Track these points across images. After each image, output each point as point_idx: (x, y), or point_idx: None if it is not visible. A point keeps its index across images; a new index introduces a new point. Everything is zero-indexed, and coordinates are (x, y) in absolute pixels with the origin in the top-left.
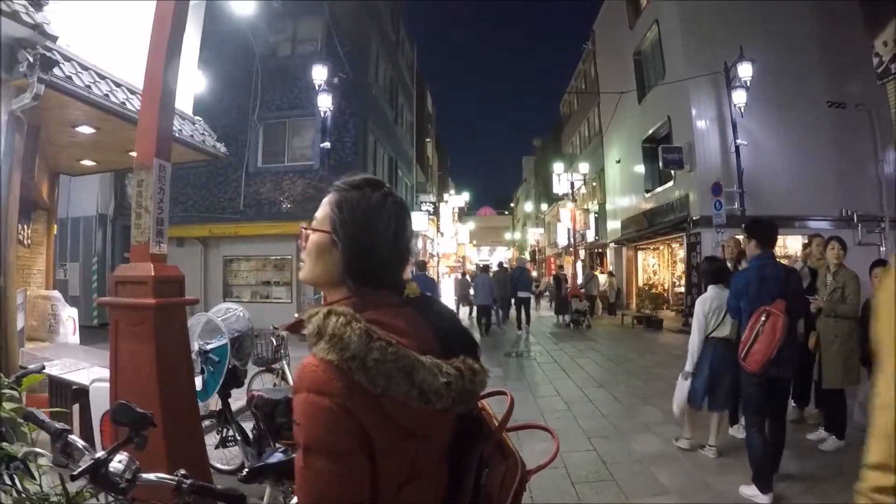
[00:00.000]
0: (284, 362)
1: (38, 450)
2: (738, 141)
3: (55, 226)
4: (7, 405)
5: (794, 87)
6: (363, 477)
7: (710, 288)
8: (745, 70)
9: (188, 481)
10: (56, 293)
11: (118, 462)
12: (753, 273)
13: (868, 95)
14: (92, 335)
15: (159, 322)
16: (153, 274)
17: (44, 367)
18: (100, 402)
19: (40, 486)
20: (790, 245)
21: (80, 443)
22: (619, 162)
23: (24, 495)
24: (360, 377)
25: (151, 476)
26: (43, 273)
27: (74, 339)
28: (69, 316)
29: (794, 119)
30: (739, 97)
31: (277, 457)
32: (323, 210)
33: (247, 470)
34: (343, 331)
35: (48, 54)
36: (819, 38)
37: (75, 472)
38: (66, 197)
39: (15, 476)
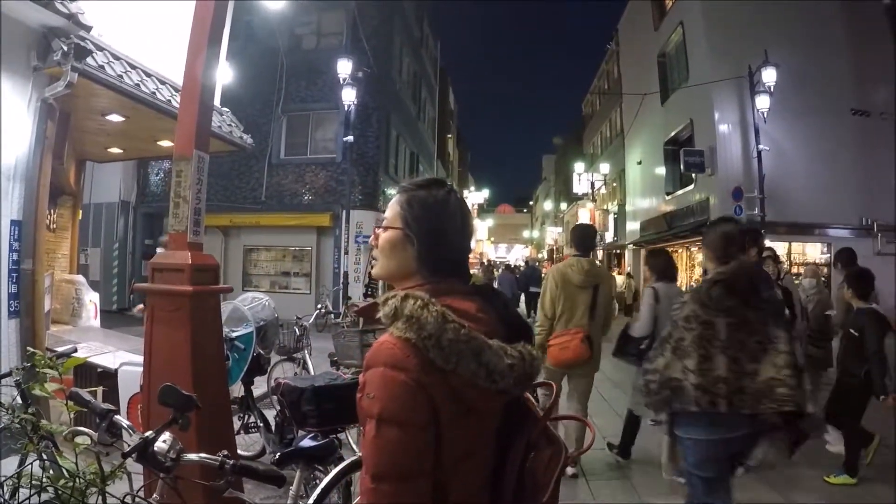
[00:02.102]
0: (306, 352)
1: (81, 429)
2: (761, 146)
3: (80, 211)
4: (50, 385)
5: (818, 93)
6: (429, 449)
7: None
8: (769, 75)
9: (231, 461)
10: (80, 277)
11: (163, 442)
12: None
13: (892, 104)
14: (111, 319)
15: (195, 308)
16: (190, 262)
17: (76, 350)
18: (127, 385)
19: (76, 463)
20: (809, 253)
21: (125, 422)
22: (640, 163)
23: (63, 470)
24: (435, 355)
25: (194, 456)
26: (67, 257)
27: (96, 322)
28: (91, 300)
29: (818, 126)
30: (763, 102)
31: (309, 442)
32: (392, 210)
33: (280, 454)
34: (420, 312)
35: (82, 43)
36: (845, 46)
37: (126, 450)
38: (90, 183)
39: (49, 453)
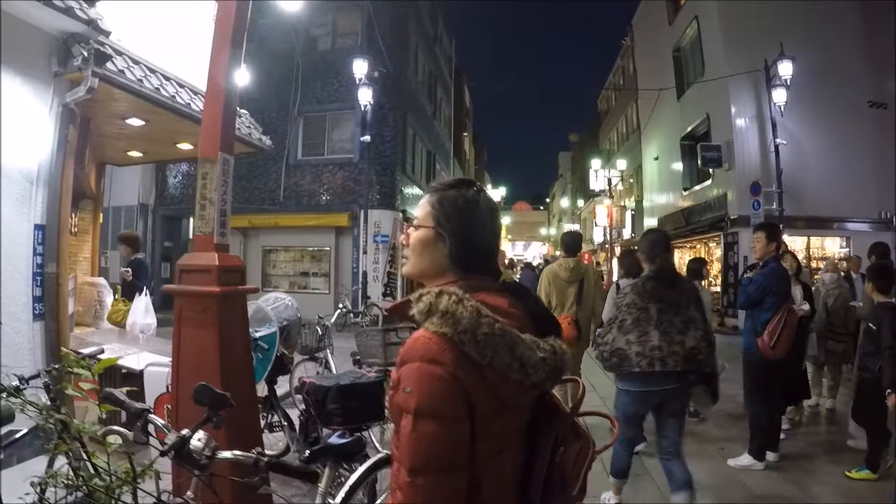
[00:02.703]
0: (328, 351)
1: (116, 428)
2: (778, 140)
3: (101, 215)
4: (85, 385)
5: (835, 86)
6: (466, 442)
7: (625, 280)
8: (785, 68)
9: (265, 458)
10: (102, 280)
11: (197, 440)
12: (781, 272)
13: None
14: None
15: (222, 309)
16: (217, 263)
17: (103, 352)
18: (154, 385)
19: (108, 463)
20: (828, 247)
21: (160, 421)
22: (656, 159)
23: (99, 470)
24: (471, 349)
25: (228, 453)
26: (88, 260)
27: (154, 324)
28: (150, 304)
29: (835, 118)
30: (780, 96)
31: (337, 440)
32: (423, 209)
33: (309, 451)
34: (455, 308)
35: (102, 49)
36: (861, 38)
37: (164, 448)
38: (109, 186)
39: (78, 453)
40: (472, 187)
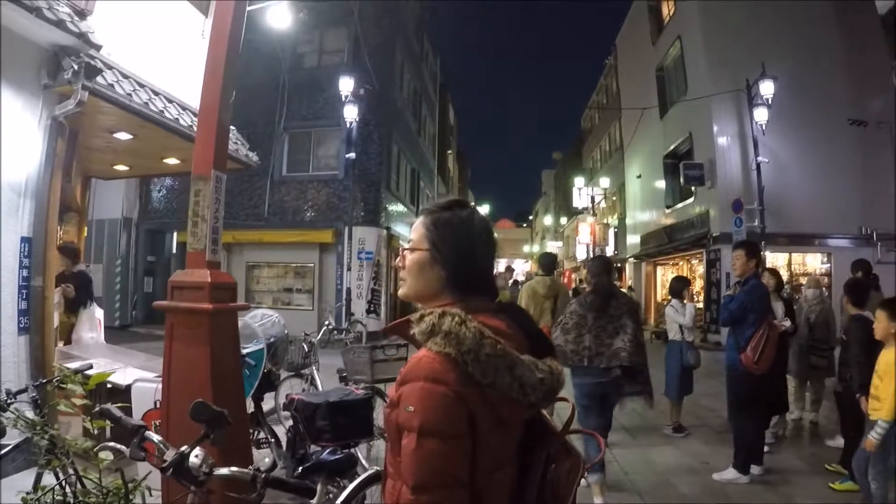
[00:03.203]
0: (314, 368)
1: (112, 444)
2: (760, 158)
3: (86, 228)
4: (76, 401)
5: (815, 104)
6: (467, 459)
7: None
8: (766, 88)
9: (262, 474)
10: None
11: (195, 457)
12: (762, 289)
13: (889, 113)
14: (114, 335)
15: (214, 326)
16: (209, 280)
17: (91, 367)
18: (141, 402)
19: (99, 480)
20: (809, 263)
21: (157, 438)
22: (639, 177)
23: (99, 486)
24: (473, 369)
25: (226, 470)
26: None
27: (101, 338)
28: (97, 316)
29: (816, 137)
30: (761, 115)
31: (330, 456)
32: (417, 231)
33: (302, 468)
34: (458, 329)
35: (92, 62)
36: (841, 56)
37: (164, 465)
38: (93, 199)
39: (64, 469)
40: (467, 208)
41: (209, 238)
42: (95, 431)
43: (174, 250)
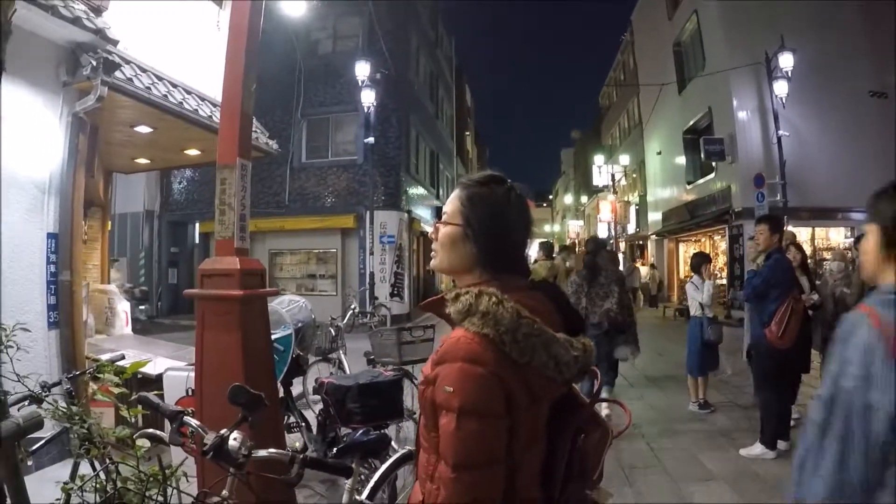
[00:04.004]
0: (341, 352)
1: (151, 430)
2: (780, 132)
3: (109, 222)
4: (114, 390)
5: (836, 76)
6: (505, 437)
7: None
8: (786, 60)
9: (300, 455)
10: (112, 287)
11: (234, 440)
12: (786, 263)
13: None
14: (140, 327)
15: (245, 312)
16: (239, 267)
17: (124, 357)
18: (173, 390)
19: (137, 467)
20: (833, 237)
21: (195, 422)
22: (659, 153)
23: (137, 473)
24: (511, 349)
25: (264, 452)
26: (98, 268)
27: (128, 331)
28: (123, 309)
29: (837, 109)
30: (781, 88)
31: (364, 436)
32: (453, 204)
33: (336, 448)
34: (496, 309)
35: (110, 57)
36: (861, 28)
37: (205, 448)
38: (115, 194)
39: (100, 458)
40: (504, 185)
41: (237, 226)
42: (133, 419)
43: (197, 241)
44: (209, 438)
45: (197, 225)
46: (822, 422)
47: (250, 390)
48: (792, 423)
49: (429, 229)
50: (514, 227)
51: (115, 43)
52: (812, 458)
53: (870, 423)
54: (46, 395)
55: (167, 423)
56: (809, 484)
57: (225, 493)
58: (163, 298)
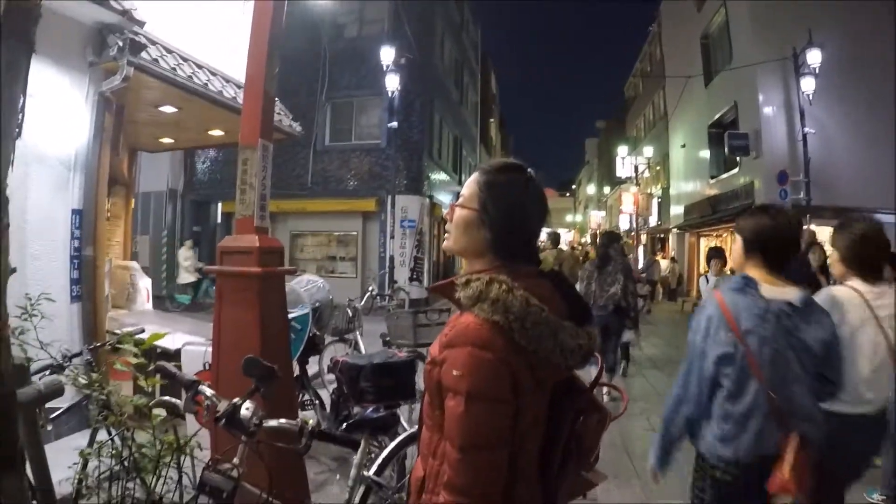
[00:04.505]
0: (358, 333)
1: (166, 398)
2: (806, 129)
3: (133, 200)
4: (132, 360)
5: (864, 74)
6: (510, 420)
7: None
8: (813, 56)
9: (310, 426)
10: (134, 264)
11: (245, 409)
12: (803, 264)
13: None
14: (160, 304)
15: (263, 289)
16: (258, 244)
17: (143, 331)
18: (191, 364)
19: (153, 435)
20: None
21: (209, 391)
22: (684, 146)
23: (153, 440)
24: (520, 336)
25: (274, 422)
26: (121, 244)
27: (148, 307)
28: (144, 286)
29: (863, 107)
30: (808, 84)
31: (373, 413)
32: (470, 189)
33: (346, 423)
34: (506, 297)
35: (137, 38)
36: (890, 25)
37: (218, 415)
38: (139, 173)
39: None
40: (523, 173)
41: (257, 205)
42: (150, 389)
43: (219, 220)
44: (222, 406)
45: (220, 204)
46: (682, 361)
47: (263, 362)
48: None
49: None
50: (529, 216)
51: (141, 24)
52: (675, 383)
53: (703, 362)
54: (68, 365)
55: (183, 394)
56: (668, 397)
57: (236, 460)
58: (206, 273)
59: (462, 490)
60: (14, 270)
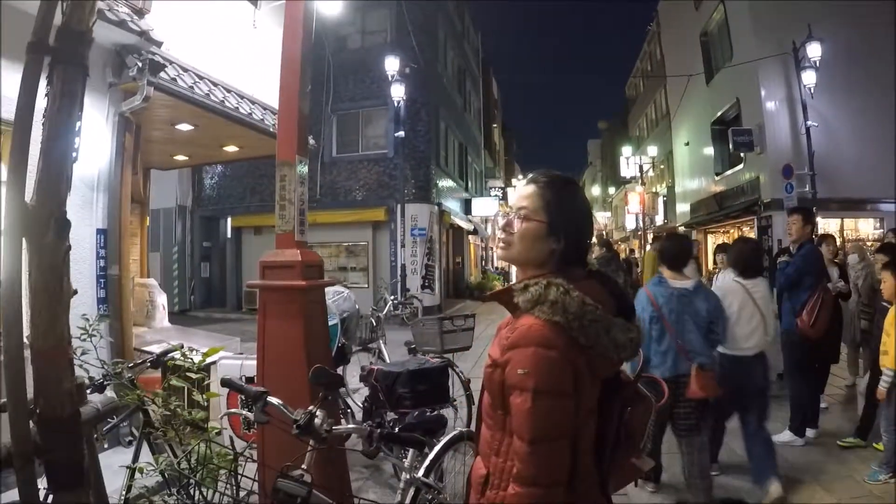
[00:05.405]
0: (381, 342)
1: (236, 410)
2: (809, 122)
3: (147, 217)
4: (191, 375)
5: (865, 66)
6: (572, 413)
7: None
8: (814, 50)
9: (378, 430)
10: (152, 281)
11: (317, 417)
12: (817, 254)
13: None
14: (175, 319)
15: (307, 302)
16: (300, 259)
17: (183, 346)
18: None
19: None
20: (862, 228)
21: (277, 401)
22: (687, 144)
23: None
24: (578, 334)
25: (343, 428)
26: (138, 262)
27: (167, 323)
28: (161, 302)
29: (865, 99)
30: (809, 78)
31: (422, 416)
32: (534, 201)
33: (399, 427)
34: (564, 298)
35: (155, 58)
36: (890, 16)
37: (296, 423)
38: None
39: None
40: (577, 185)
41: (297, 219)
42: (206, 403)
43: (229, 235)
44: (298, 415)
45: (229, 220)
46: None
47: (331, 371)
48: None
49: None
50: (589, 226)
51: (159, 45)
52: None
53: (643, 325)
54: (109, 383)
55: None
56: None
57: (304, 466)
58: (196, 292)
59: (533, 480)
60: (76, 292)
